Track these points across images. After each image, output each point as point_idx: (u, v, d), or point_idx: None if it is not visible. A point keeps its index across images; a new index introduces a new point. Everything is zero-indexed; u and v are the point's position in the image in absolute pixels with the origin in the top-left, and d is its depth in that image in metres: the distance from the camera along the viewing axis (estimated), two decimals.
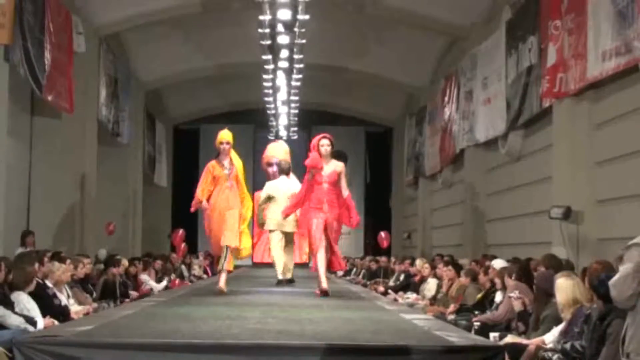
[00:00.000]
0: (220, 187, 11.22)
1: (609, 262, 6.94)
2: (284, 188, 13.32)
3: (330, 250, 11.13)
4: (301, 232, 12.55)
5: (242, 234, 11.37)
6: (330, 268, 11.49)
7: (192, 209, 11.67)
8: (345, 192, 11.15)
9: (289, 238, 13.54)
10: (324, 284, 10.96)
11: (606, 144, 11.82)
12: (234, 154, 11.39)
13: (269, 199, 13.51)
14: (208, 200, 11.30)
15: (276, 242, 13.49)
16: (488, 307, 10.29)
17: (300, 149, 32.86)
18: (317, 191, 11.14)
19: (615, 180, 11.43)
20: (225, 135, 11.38)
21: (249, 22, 19.10)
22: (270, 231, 13.61)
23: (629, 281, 5.61)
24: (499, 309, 9.56)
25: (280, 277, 13.42)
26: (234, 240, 11.11)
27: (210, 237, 11.46)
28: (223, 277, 11.23)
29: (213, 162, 11.39)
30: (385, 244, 24.38)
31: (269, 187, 13.73)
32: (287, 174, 13.86)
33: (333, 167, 11.12)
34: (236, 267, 13.52)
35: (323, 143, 11.19)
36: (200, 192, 11.35)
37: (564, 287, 7.45)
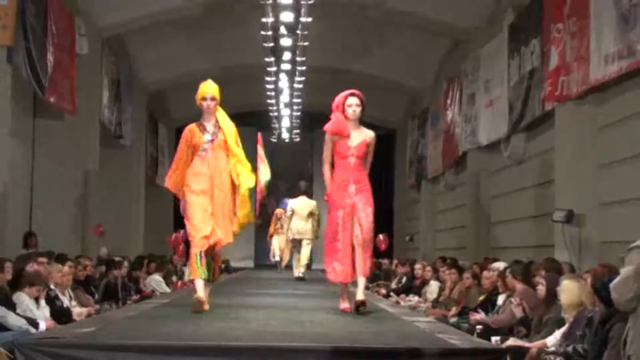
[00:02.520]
0: (199, 158, 8.51)
1: (612, 265, 6.94)
2: (303, 205, 16.83)
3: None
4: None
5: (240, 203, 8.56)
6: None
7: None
8: (368, 169, 8.85)
9: (306, 243, 16.89)
10: (360, 295, 8.48)
11: (609, 147, 11.81)
12: (222, 114, 8.73)
13: (293, 214, 16.83)
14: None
15: (295, 246, 17.22)
16: (490, 310, 10.28)
17: (303, 152, 33.06)
18: (340, 168, 8.69)
19: (618, 184, 11.42)
20: (208, 87, 8.63)
21: (251, 24, 19.13)
22: (292, 240, 17.19)
23: (629, 284, 5.62)
24: (500, 316, 9.53)
25: (296, 274, 16.92)
26: (228, 236, 8.49)
27: (194, 228, 8.36)
28: (200, 285, 8.35)
29: (192, 126, 8.65)
30: (383, 247, 24.30)
31: (293, 205, 17.03)
32: (306, 193, 17.36)
33: (363, 135, 8.73)
34: (236, 269, 13.50)
35: (351, 102, 8.68)
36: (173, 177, 8.63)
37: (570, 289, 7.45)
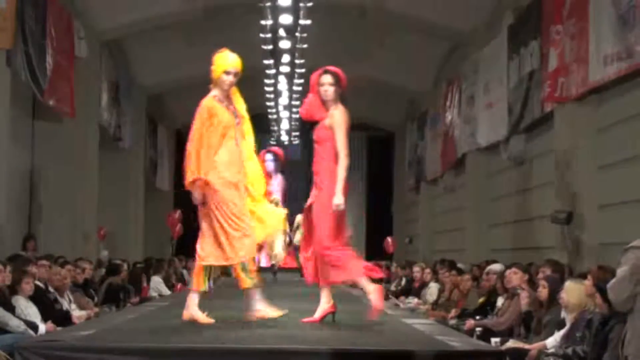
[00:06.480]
0: (227, 144, 7.14)
1: (611, 267, 6.94)
2: None
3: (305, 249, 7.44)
4: None
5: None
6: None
7: (191, 189, 7.05)
8: (341, 155, 7.17)
9: None
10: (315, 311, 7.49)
11: (608, 148, 11.82)
12: (236, 91, 7.49)
13: (298, 226, 17.15)
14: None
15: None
16: (490, 312, 10.28)
17: (302, 155, 33.13)
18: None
19: (618, 185, 11.42)
20: (234, 60, 7.43)
21: (250, 27, 19.12)
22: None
23: (625, 283, 5.66)
24: (501, 318, 9.52)
25: None
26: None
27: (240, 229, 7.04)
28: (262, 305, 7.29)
29: (211, 101, 7.26)
30: (391, 249, 24.64)
31: (298, 219, 17.46)
32: None
33: (327, 118, 7.30)
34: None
35: (323, 81, 7.34)
36: (198, 162, 6.98)
37: (574, 290, 7.45)
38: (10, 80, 13.20)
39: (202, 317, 7.28)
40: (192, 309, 7.32)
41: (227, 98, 7.31)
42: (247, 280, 7.15)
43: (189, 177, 7.01)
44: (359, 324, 7.66)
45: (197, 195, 7.05)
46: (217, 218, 7.04)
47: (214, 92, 7.31)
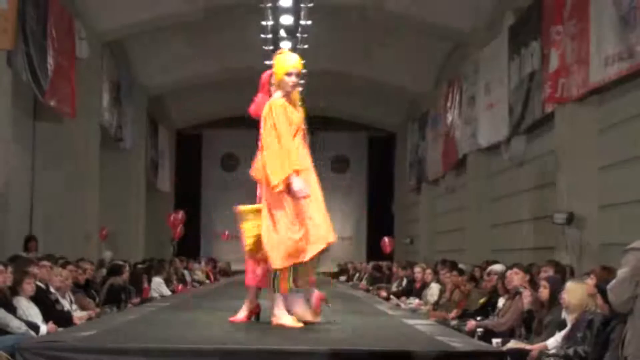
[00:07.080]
0: (301, 145, 7.09)
1: (613, 267, 6.95)
2: None
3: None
4: None
5: None
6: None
7: (302, 192, 6.76)
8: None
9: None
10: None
11: (609, 149, 11.82)
12: (298, 97, 7.29)
13: None
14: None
15: None
16: (491, 313, 10.27)
17: None
18: None
19: (619, 186, 11.42)
20: (295, 61, 7.09)
21: (251, 28, 19.14)
22: None
23: (625, 285, 5.65)
24: (504, 317, 9.51)
25: None
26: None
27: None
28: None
29: (283, 101, 6.99)
30: (388, 249, 24.63)
31: None
32: None
33: None
34: (237, 272, 13.36)
35: (273, 82, 7.26)
36: (294, 155, 6.81)
37: (575, 291, 7.44)
38: (12, 80, 13.21)
39: (291, 322, 6.99)
40: (282, 317, 7.03)
41: (292, 100, 7.07)
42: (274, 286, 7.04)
43: (294, 169, 6.80)
44: (359, 324, 7.68)
45: (300, 186, 6.75)
46: (280, 215, 6.90)
47: (278, 94, 7.07)
